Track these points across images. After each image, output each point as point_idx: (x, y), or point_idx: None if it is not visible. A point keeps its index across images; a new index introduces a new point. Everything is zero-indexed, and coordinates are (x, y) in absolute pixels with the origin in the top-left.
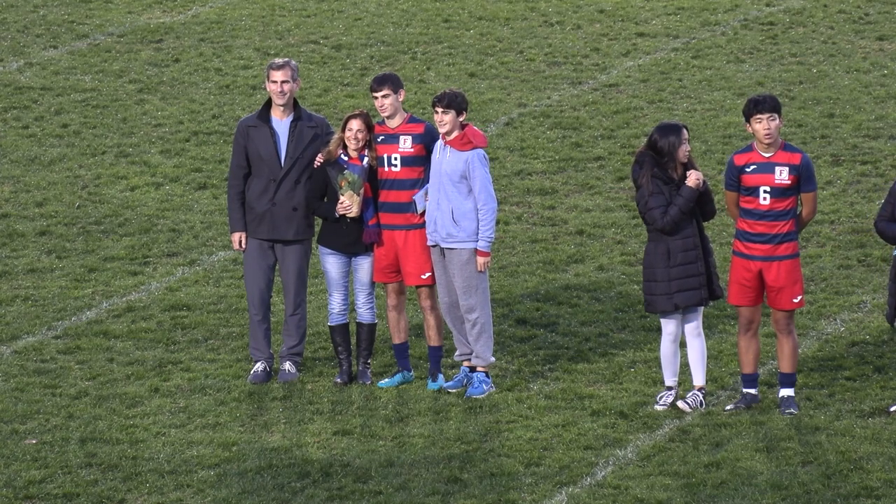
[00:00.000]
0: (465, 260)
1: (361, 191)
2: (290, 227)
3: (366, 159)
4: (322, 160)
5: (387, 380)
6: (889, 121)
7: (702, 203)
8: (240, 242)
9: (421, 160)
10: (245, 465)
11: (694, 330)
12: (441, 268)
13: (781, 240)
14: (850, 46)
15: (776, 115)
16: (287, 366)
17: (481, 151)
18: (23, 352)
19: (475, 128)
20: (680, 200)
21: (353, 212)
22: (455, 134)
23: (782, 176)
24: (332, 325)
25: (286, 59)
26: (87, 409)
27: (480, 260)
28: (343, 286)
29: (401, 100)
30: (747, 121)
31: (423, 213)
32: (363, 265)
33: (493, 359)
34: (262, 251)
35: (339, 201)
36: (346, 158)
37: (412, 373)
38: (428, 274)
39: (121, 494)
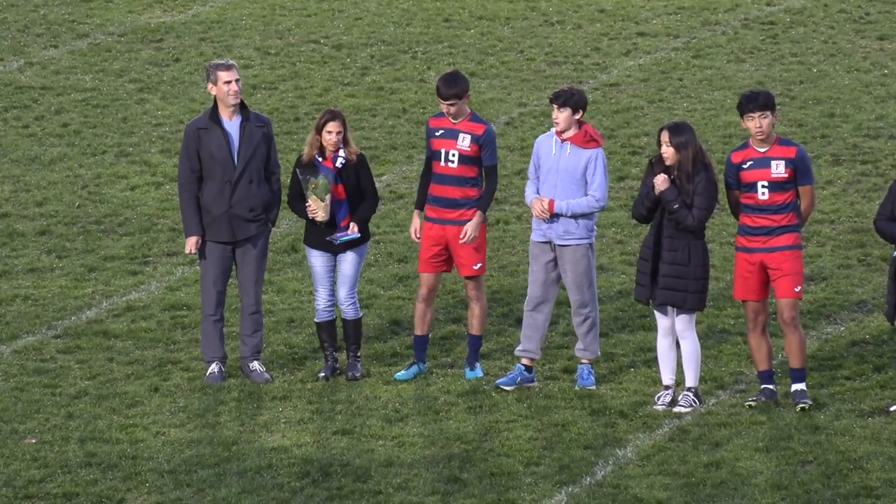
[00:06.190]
0: (580, 256)
1: (328, 196)
2: (249, 226)
3: (339, 160)
4: (303, 163)
5: (403, 371)
6: (889, 120)
7: (668, 211)
8: (195, 246)
9: (476, 160)
10: (245, 464)
11: (681, 331)
12: (542, 264)
13: (782, 231)
14: (850, 46)
15: (768, 113)
16: (256, 365)
17: (602, 150)
18: (23, 351)
19: (592, 126)
20: (643, 191)
21: (320, 216)
22: (573, 131)
23: (779, 170)
24: (318, 321)
25: (228, 59)
26: (87, 408)
27: (538, 206)
28: (329, 282)
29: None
30: (741, 117)
31: (344, 243)
32: (347, 259)
33: (598, 352)
34: (222, 252)
35: (307, 205)
36: (320, 160)
37: (426, 364)
38: (479, 265)
39: (121, 494)
